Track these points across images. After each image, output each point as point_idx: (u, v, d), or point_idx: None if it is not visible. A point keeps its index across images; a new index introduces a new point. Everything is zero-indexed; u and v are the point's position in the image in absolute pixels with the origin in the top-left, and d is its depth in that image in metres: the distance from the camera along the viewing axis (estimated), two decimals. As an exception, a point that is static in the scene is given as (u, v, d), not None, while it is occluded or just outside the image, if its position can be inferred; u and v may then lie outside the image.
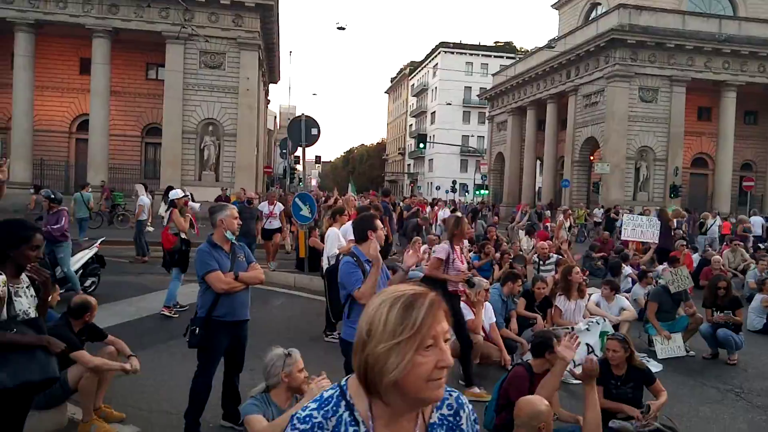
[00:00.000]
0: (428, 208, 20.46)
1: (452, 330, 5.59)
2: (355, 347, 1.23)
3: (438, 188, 59.65)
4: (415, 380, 1.17)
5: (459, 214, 6.63)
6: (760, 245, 15.88)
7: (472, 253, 12.28)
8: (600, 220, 24.91)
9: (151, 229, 13.61)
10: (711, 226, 18.62)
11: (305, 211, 11.51)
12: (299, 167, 27.45)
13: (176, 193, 9.17)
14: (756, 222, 18.99)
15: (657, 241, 12.24)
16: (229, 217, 4.48)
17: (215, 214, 4.52)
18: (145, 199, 13.85)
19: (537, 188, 42.67)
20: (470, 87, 67.35)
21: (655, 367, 6.79)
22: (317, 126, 12.81)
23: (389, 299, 1.21)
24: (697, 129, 34.67)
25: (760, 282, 9.44)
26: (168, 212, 9.03)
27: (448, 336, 1.23)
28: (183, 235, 8.40)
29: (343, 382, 1.31)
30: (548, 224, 19.65)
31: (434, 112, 71.01)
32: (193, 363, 4.35)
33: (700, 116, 35.27)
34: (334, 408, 1.25)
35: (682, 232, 17.90)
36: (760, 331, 8.79)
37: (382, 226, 4.49)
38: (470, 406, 1.39)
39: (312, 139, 12.82)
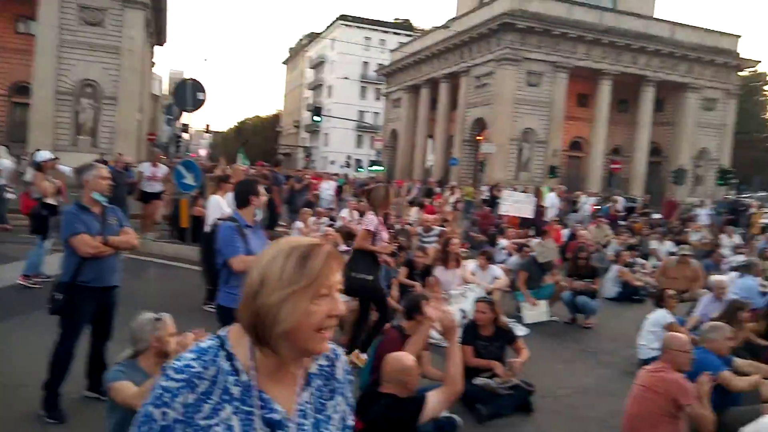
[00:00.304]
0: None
1: (375, 302, 5.76)
2: (246, 297, 1.21)
3: (333, 163, 59.64)
4: (306, 330, 1.19)
5: (381, 185, 6.76)
6: (621, 222, 17.45)
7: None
8: (487, 197, 26.16)
9: (12, 195, 12.49)
10: (583, 204, 20.25)
11: (189, 179, 11.07)
12: (186, 135, 26.25)
13: (42, 155, 8.51)
14: (617, 200, 20.89)
15: (533, 216, 13.10)
16: (95, 177, 4.23)
17: (80, 174, 4.27)
18: (5, 162, 12.63)
19: (428, 165, 43.89)
20: (368, 62, 67.47)
21: (521, 331, 7.35)
22: (203, 90, 12.31)
23: (285, 249, 1.21)
24: (576, 114, 37.11)
25: (616, 254, 10.42)
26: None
27: (341, 287, 1.25)
28: (48, 200, 7.80)
29: (222, 333, 1.29)
30: (439, 200, 20.35)
31: (331, 86, 70.45)
32: (55, 335, 4.11)
33: (579, 102, 37.79)
34: (213, 358, 1.22)
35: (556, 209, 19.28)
36: (615, 299, 9.74)
37: (264, 191, 4.46)
38: (344, 357, 1.43)
39: (198, 104, 12.31)
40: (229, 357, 1.23)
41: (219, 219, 5.14)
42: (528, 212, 13.19)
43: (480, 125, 35.20)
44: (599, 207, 20.38)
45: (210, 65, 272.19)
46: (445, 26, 36.29)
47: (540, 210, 14.29)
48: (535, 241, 12.14)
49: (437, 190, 24.05)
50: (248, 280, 1.22)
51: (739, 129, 44.70)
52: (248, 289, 1.21)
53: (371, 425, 3.16)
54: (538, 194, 14.48)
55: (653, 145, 37.22)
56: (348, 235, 10.90)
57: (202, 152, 46.40)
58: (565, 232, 14.31)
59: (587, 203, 20.34)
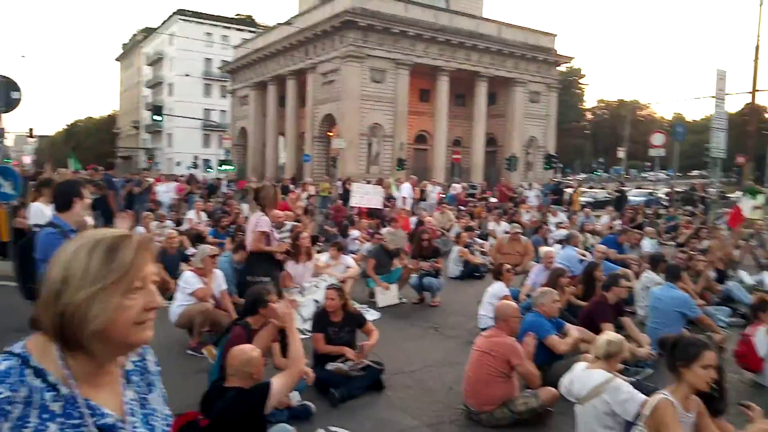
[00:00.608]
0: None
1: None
2: (46, 299, 1.10)
3: (179, 164, 56.67)
4: (122, 325, 1.12)
5: (269, 183, 6.57)
6: (462, 207, 18.70)
7: (210, 227, 12.08)
8: (341, 191, 26.59)
9: None
10: (430, 193, 21.38)
11: (7, 188, 9.90)
12: (8, 141, 23.38)
13: None
14: (456, 188, 22.44)
15: (381, 207, 13.56)
16: None
17: None
18: None
19: (281, 163, 43.42)
20: (211, 59, 64.89)
21: (373, 315, 7.61)
22: (18, 89, 11.07)
23: (88, 243, 1.12)
24: (419, 109, 38.89)
25: (457, 236, 11.15)
26: None
27: (156, 278, 1.19)
28: None
29: (18, 350, 1.14)
30: (292, 197, 20.25)
31: (172, 83, 66.70)
32: None
33: (422, 97, 39.62)
34: (19, 379, 1.09)
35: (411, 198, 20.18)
36: (458, 278, 10.41)
37: (89, 194, 4.16)
38: (151, 350, 1.38)
39: (12, 104, 11.02)
40: (39, 373, 1.11)
41: (36, 225, 4.67)
42: (377, 203, 13.63)
43: (330, 121, 35.54)
44: (444, 195, 21.65)
45: (29, 62, 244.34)
46: (288, 23, 36.04)
47: (388, 201, 14.84)
48: (385, 230, 12.64)
49: (291, 187, 23.94)
50: (47, 279, 1.12)
51: (561, 119, 49.82)
52: (48, 290, 1.11)
53: (217, 421, 3.10)
54: (383, 185, 15.02)
55: (489, 136, 40.16)
56: (197, 238, 10.47)
57: (27, 159, 41.54)
58: (413, 220, 15.00)
59: (433, 192, 21.49)
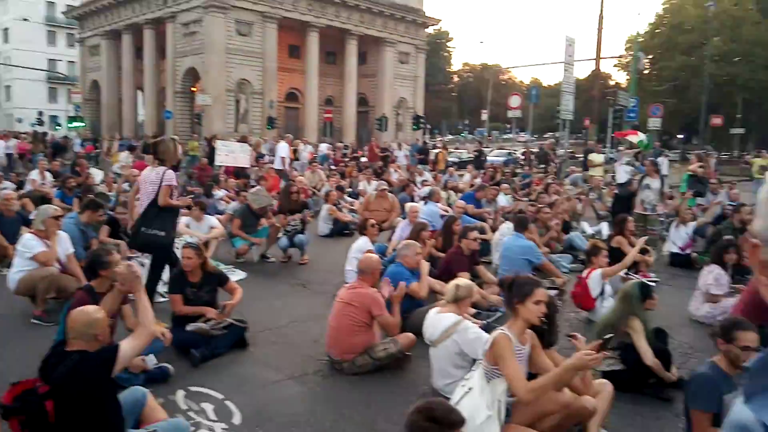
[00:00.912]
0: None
1: (165, 259, 5.77)
2: None
3: (20, 121, 50.89)
4: None
5: (168, 137, 6.41)
6: (333, 167, 18.79)
7: (56, 189, 11.08)
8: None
9: None
10: (301, 152, 21.14)
11: None
12: None
13: None
14: (322, 148, 22.46)
15: (248, 165, 13.20)
16: None
17: None
18: None
19: (141, 120, 40.52)
20: (54, 2, 58.13)
21: (240, 275, 7.48)
22: None
23: None
24: (289, 66, 37.95)
25: (326, 194, 11.20)
26: None
27: None
28: None
29: None
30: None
31: (8, 28, 58.97)
32: None
33: (291, 53, 38.63)
34: None
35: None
36: (328, 236, 10.50)
37: None
38: None
39: None
40: None
41: None
42: (244, 161, 13.22)
43: (193, 76, 33.62)
44: (316, 155, 21.55)
45: None
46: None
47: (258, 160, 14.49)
48: (253, 189, 12.34)
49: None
50: None
51: (430, 81, 51.19)
52: None
53: (59, 386, 2.89)
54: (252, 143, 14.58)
55: (360, 96, 40.34)
56: (42, 200, 9.53)
57: None
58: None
59: (305, 151, 21.28)
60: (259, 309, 6.06)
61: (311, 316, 5.98)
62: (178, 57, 33.80)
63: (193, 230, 7.96)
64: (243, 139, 15.53)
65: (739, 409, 0.87)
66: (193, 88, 34.23)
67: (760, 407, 0.82)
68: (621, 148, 19.71)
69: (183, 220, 8.23)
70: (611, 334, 3.54)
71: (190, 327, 4.86)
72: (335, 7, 35.97)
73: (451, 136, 64.09)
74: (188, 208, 7.72)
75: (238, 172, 13.53)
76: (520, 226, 7.10)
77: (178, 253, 6.51)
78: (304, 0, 34.37)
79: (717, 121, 32.85)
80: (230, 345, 4.97)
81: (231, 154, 13.23)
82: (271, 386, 4.38)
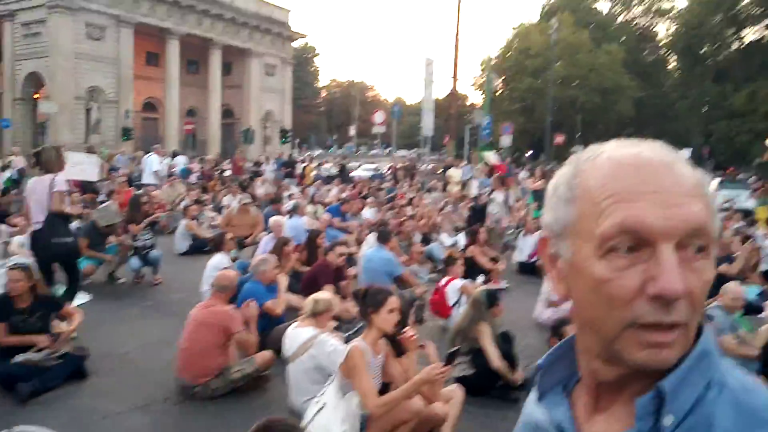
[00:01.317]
0: None
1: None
2: None
3: None
4: None
5: (49, 145, 6.15)
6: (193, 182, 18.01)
7: None
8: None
9: None
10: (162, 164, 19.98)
11: None
12: None
13: None
14: (179, 161, 21.41)
15: (96, 179, 12.24)
16: None
17: None
18: None
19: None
20: None
21: (84, 297, 6.84)
22: None
23: None
24: (147, 74, 35.80)
25: (184, 209, 10.65)
26: None
27: None
28: None
29: None
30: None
31: None
32: None
33: (149, 61, 36.52)
34: None
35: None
36: (185, 253, 9.93)
37: None
38: None
39: None
40: None
41: None
42: (91, 174, 12.16)
43: (36, 81, 30.59)
44: (175, 167, 20.48)
45: None
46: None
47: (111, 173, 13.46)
48: (102, 206, 11.40)
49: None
50: None
51: (298, 95, 51.07)
52: None
53: None
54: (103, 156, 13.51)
55: (225, 107, 39.12)
56: None
57: None
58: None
59: (163, 163, 20.13)
60: (104, 334, 5.58)
61: (162, 340, 5.60)
62: (19, 60, 30.59)
63: (27, 250, 7.16)
64: (90, 150, 14.35)
65: (530, 409, 0.89)
66: (36, 95, 31.09)
67: (552, 405, 0.84)
68: (478, 166, 20.99)
69: (17, 240, 7.42)
70: (458, 347, 3.69)
71: (17, 358, 4.35)
72: (197, 15, 34.67)
73: (320, 151, 64.30)
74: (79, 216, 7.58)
75: (86, 186, 12.45)
76: (382, 238, 7.24)
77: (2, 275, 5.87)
78: (164, 5, 32.73)
79: (559, 139, 36.13)
80: (67, 376, 4.50)
81: (77, 166, 12.09)
82: (114, 417, 4.02)
